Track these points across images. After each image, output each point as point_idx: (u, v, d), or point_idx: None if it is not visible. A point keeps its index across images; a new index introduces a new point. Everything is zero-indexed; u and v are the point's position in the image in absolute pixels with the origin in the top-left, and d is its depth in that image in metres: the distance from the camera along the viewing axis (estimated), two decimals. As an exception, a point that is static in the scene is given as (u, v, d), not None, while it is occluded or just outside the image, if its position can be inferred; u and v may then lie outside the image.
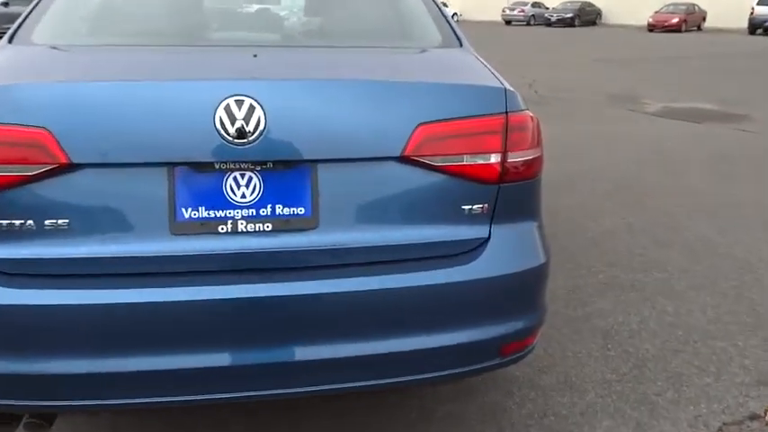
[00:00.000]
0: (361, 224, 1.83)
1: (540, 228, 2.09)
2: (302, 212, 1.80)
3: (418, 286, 1.84)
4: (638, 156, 6.61)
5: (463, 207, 1.90)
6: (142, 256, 1.74)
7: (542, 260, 2.02)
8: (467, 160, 1.87)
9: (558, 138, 7.24)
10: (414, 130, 1.81)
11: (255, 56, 2.00)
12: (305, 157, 1.76)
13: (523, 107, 1.98)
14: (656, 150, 6.85)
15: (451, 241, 1.90)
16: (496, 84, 1.97)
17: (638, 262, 4.03)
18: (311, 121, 1.75)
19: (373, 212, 1.84)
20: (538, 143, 2.00)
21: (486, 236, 1.94)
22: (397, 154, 1.80)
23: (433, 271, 1.86)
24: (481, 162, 1.89)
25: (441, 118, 1.83)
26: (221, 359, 1.77)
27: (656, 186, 5.58)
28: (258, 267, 1.80)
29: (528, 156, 1.96)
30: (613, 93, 10.84)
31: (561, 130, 7.72)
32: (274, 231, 1.79)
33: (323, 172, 1.79)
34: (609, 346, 3.08)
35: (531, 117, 1.99)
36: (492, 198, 1.92)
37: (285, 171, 1.79)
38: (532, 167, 1.98)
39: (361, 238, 1.83)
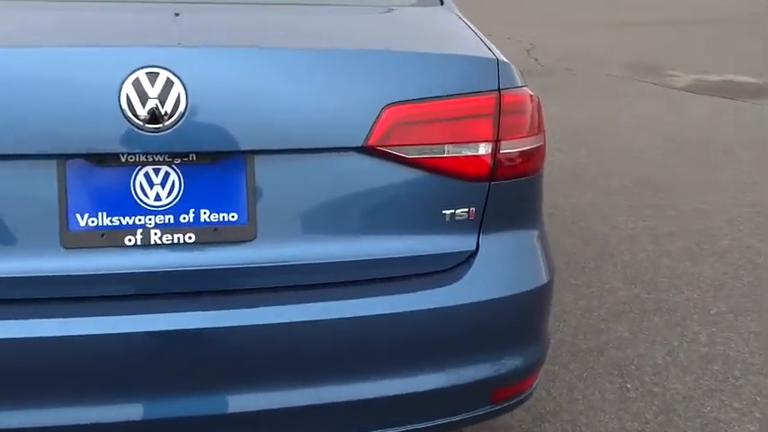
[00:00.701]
0: (311, 234, 1.84)
1: (542, 237, 2.11)
2: (235, 219, 1.80)
3: (384, 315, 1.84)
4: (662, 142, 6.71)
5: (444, 212, 1.91)
6: (23, 278, 1.71)
7: (544, 279, 2.04)
8: (448, 151, 1.88)
9: (564, 120, 7.32)
10: (380, 114, 1.81)
11: (177, 15, 1.98)
12: (238, 148, 1.76)
13: (521, 83, 1.98)
14: (686, 135, 6.97)
15: (428, 256, 1.91)
16: (486, 53, 1.97)
17: (663, 277, 4.08)
18: (247, 100, 1.74)
19: (327, 219, 1.84)
20: (539, 129, 2.01)
21: (473, 248, 1.95)
22: (359, 144, 1.80)
23: (404, 295, 1.87)
24: (467, 154, 1.89)
25: (415, 97, 1.83)
26: (127, 412, 1.75)
27: (686, 181, 5.68)
28: (177, 291, 1.78)
29: (526, 145, 1.96)
30: (633, 62, 10.99)
31: (568, 109, 7.81)
32: (198, 244, 1.79)
33: (262, 166, 1.79)
34: (628, 385, 3.11)
35: (531, 96, 2.00)
36: (480, 200, 1.93)
37: (212, 165, 1.77)
38: (532, 160, 1.99)
39: (311, 252, 1.84)
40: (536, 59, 11.02)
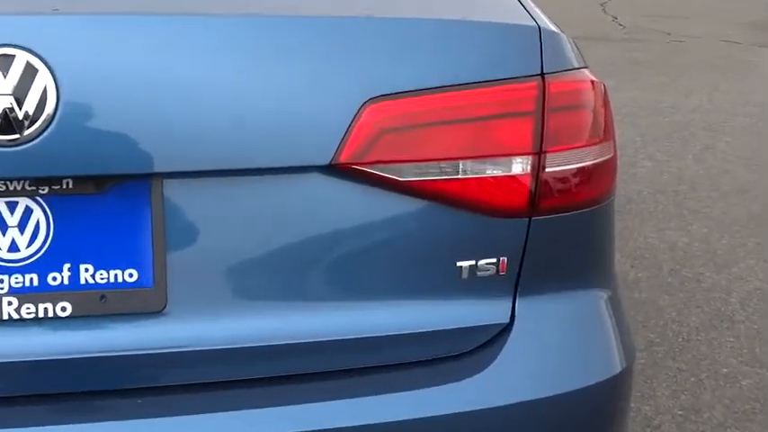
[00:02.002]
0: (250, 302, 1.86)
1: (614, 301, 2.12)
2: (133, 279, 1.81)
3: (367, 427, 1.85)
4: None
5: (459, 264, 1.92)
6: None
7: (616, 368, 2.04)
8: (465, 171, 1.88)
9: (659, 111, 7.35)
10: (358, 114, 1.81)
11: None
12: (139, 169, 1.77)
13: (577, 63, 2.00)
14: None
15: (433, 333, 1.93)
16: (523, 17, 1.98)
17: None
18: (152, 96, 1.74)
19: (276, 278, 1.86)
20: (606, 134, 2.02)
21: (506, 320, 1.97)
22: (325, 161, 1.81)
23: (397, 395, 1.89)
24: (493, 174, 1.90)
25: (411, 89, 1.84)
26: None
27: None
28: (40, 393, 1.80)
29: (586, 159, 1.98)
30: (763, 20, 11.02)
31: (664, 95, 7.84)
32: (77, 319, 1.80)
33: (175, 198, 1.80)
34: None
35: (593, 83, 2.01)
36: (516, 245, 1.94)
37: (97, 197, 1.78)
38: (595, 182, 2.01)
39: (251, 329, 1.85)
40: (615, 18, 11.08)
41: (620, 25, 10.66)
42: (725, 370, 3.96)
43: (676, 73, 8.66)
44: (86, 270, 1.79)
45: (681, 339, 4.19)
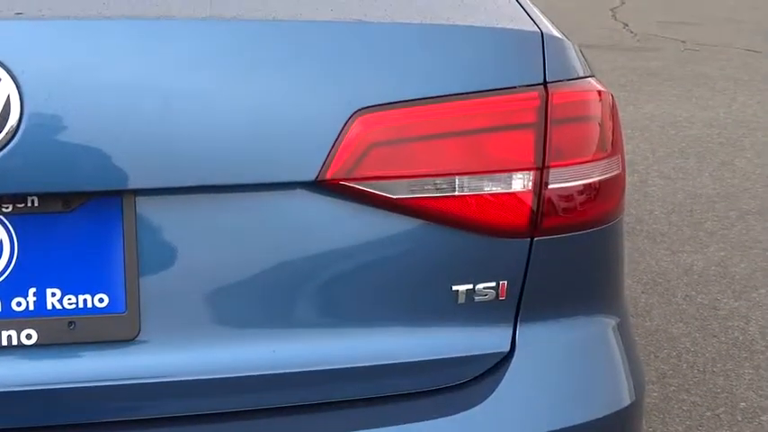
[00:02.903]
0: (230, 329, 1.86)
1: (623, 328, 2.12)
2: (104, 305, 1.81)
3: None
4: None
5: (455, 288, 1.92)
6: None
7: (625, 401, 2.05)
8: (461, 188, 1.88)
9: (672, 125, 7.35)
10: (346, 126, 1.82)
11: None
12: (110, 185, 1.77)
13: (582, 72, 2.00)
14: None
15: (427, 363, 1.93)
16: (524, 22, 1.99)
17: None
18: (123, 105, 1.74)
19: (257, 303, 1.86)
20: (614, 148, 2.02)
21: (506, 349, 1.97)
22: (311, 177, 1.81)
23: (387, 430, 1.89)
24: (492, 191, 1.90)
25: (403, 99, 1.85)
26: None
27: None
28: (6, 428, 1.79)
29: (592, 175, 1.98)
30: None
31: (678, 108, 7.85)
32: (43, 348, 1.80)
33: (148, 216, 1.80)
34: None
35: (600, 93, 2.02)
36: (516, 268, 1.95)
37: (65, 215, 1.78)
38: (602, 200, 2.01)
39: (232, 359, 1.85)
40: (626, 25, 11.10)
41: (632, 33, 10.68)
42: (743, 404, 3.95)
43: (691, 84, 8.67)
44: (53, 295, 1.79)
45: (696, 371, 4.17)
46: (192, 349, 1.84)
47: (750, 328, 4.54)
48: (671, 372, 4.12)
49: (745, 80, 8.86)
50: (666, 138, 6.93)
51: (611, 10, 11.73)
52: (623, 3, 12.08)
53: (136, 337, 1.82)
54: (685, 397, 3.98)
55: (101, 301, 1.80)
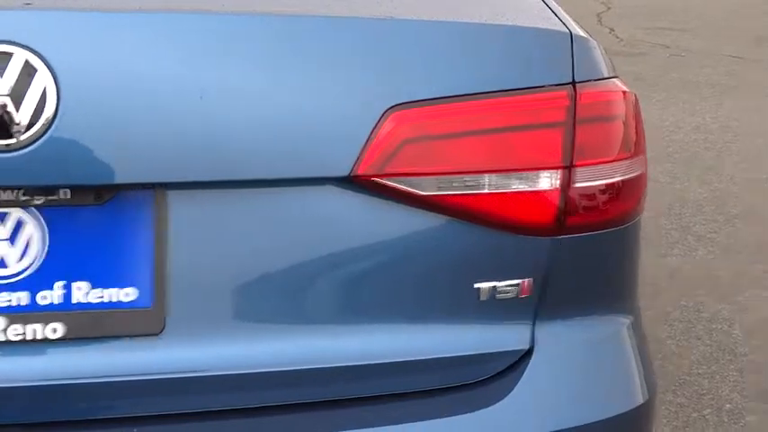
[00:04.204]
0: (258, 324, 1.88)
1: (637, 327, 2.16)
2: (131, 299, 1.82)
3: None
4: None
5: (477, 286, 1.95)
6: None
7: (639, 398, 2.09)
8: (489, 185, 1.91)
9: (662, 130, 7.31)
10: (379, 122, 1.84)
11: None
12: (142, 179, 1.78)
13: (607, 72, 2.03)
14: None
15: (449, 359, 1.96)
16: (553, 22, 2.02)
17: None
18: (156, 100, 1.76)
19: (287, 298, 1.88)
20: (637, 148, 2.06)
21: (526, 346, 2.00)
22: (344, 173, 1.83)
23: (410, 426, 1.91)
24: (519, 189, 1.93)
25: (435, 96, 1.87)
26: None
27: None
28: (33, 422, 1.80)
29: (616, 174, 2.01)
30: (759, 34, 10.98)
31: (666, 113, 7.82)
32: (68, 342, 1.81)
33: (179, 210, 1.82)
34: None
35: (625, 93, 2.05)
36: (539, 266, 1.98)
37: (96, 208, 1.80)
38: (625, 199, 2.05)
39: (258, 355, 1.87)
40: (612, 30, 10.98)
41: (618, 38, 10.59)
42: (728, 405, 4.00)
43: (678, 89, 8.61)
44: (80, 288, 1.80)
45: (681, 373, 4.22)
46: (218, 345, 1.85)
47: (734, 331, 4.58)
48: (657, 373, 4.12)
49: (732, 86, 8.83)
50: (653, 142, 6.89)
51: (597, 15, 11.63)
52: (609, 8, 12.00)
53: (161, 331, 1.83)
54: (671, 398, 4.03)
55: (127, 295, 1.81)
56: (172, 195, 1.80)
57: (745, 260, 5.37)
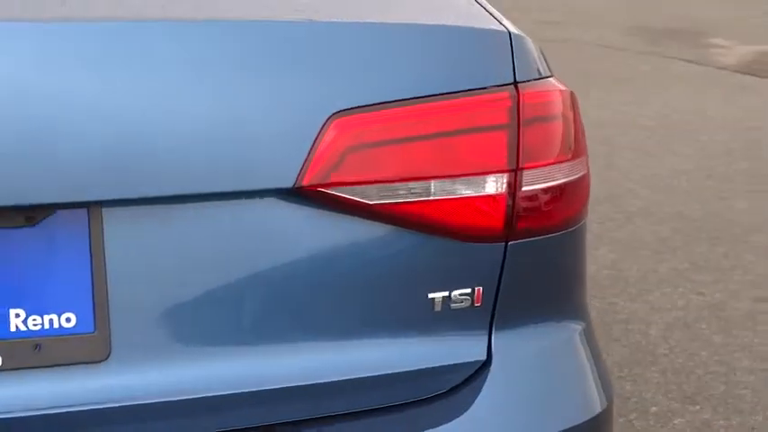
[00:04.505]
0: (206, 346, 1.85)
1: (589, 333, 2.16)
2: (71, 324, 1.79)
3: None
4: (711, 159, 6.93)
5: (430, 296, 1.93)
6: None
7: (597, 407, 2.10)
8: (435, 191, 1.89)
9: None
10: (322, 130, 1.82)
11: None
12: (74, 198, 1.75)
13: (544, 71, 2.03)
14: (748, 147, 7.18)
15: (403, 374, 1.94)
16: (489, 21, 2.01)
17: (745, 389, 4.16)
18: (87, 112, 1.71)
19: (231, 317, 1.85)
20: (579, 148, 2.05)
21: (482, 357, 1.98)
22: (288, 184, 1.81)
23: None
24: (466, 194, 1.91)
25: (378, 101, 1.85)
26: None
27: (758, 221, 5.86)
28: None
29: (561, 176, 2.01)
30: (653, 27, 11.24)
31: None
32: (10, 371, 1.78)
33: (117, 229, 1.78)
34: None
35: (563, 92, 2.05)
36: (492, 273, 1.96)
37: (28, 229, 1.76)
38: (571, 201, 2.05)
39: (209, 378, 1.85)
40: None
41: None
42: (654, 408, 4.02)
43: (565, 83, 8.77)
44: (17, 315, 1.76)
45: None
46: (166, 369, 1.83)
47: (651, 332, 4.62)
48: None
49: (616, 79, 9.01)
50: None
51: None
52: None
53: (107, 358, 1.80)
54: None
55: (68, 320, 1.78)
56: (107, 213, 1.77)
57: (649, 258, 5.44)
